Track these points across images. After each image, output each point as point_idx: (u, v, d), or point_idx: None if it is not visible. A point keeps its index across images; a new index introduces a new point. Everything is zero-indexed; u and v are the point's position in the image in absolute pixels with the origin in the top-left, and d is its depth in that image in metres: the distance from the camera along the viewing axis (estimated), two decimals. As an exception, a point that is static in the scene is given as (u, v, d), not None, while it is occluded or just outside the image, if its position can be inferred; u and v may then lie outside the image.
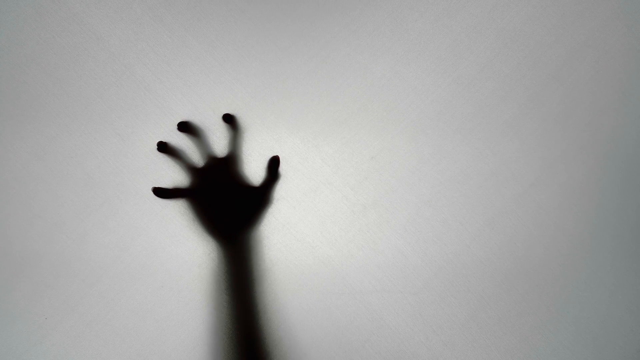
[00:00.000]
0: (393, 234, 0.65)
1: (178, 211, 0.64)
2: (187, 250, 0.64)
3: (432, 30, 0.65)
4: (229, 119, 0.64)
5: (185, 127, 0.64)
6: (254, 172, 0.65)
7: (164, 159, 0.65)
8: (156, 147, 0.64)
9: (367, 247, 0.65)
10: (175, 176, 0.65)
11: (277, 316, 0.63)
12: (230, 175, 0.64)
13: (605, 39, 0.65)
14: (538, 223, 0.65)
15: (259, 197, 0.65)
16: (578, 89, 0.65)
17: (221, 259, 0.64)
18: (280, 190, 0.65)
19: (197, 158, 0.65)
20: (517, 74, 0.65)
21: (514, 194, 0.65)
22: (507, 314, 0.64)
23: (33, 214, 0.63)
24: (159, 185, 0.64)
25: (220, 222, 0.64)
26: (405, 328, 0.64)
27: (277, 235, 0.64)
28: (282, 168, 0.65)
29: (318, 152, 0.65)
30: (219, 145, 0.65)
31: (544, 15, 0.65)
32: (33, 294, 0.63)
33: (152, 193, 0.64)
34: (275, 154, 0.65)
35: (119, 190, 0.64)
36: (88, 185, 0.64)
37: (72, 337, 0.63)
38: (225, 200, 0.64)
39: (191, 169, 0.64)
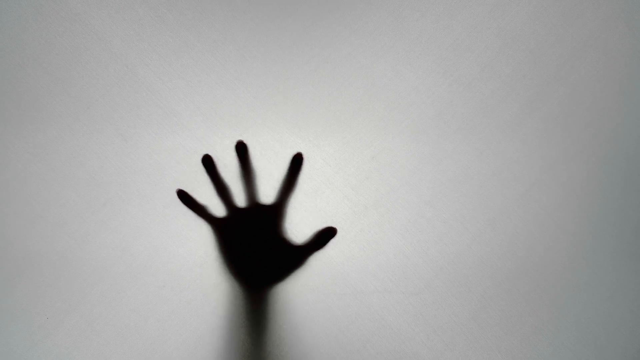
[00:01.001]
0: (394, 234, 0.65)
1: (180, 211, 0.64)
2: (188, 250, 0.64)
3: (433, 30, 0.66)
4: (297, 164, 0.64)
5: (242, 150, 0.64)
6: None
7: (165, 159, 0.65)
8: (201, 161, 0.64)
9: (368, 247, 0.65)
10: (171, 183, 0.64)
11: (278, 316, 0.63)
12: (271, 226, 0.63)
13: (606, 39, 0.65)
14: (539, 223, 0.65)
15: (295, 259, 0.64)
16: (579, 89, 0.65)
17: (238, 300, 0.63)
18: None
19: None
20: (517, 74, 0.65)
21: (515, 194, 0.65)
22: (508, 314, 0.64)
23: (35, 214, 0.63)
24: (186, 192, 0.63)
25: (247, 269, 0.63)
26: (406, 328, 0.64)
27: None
28: (283, 168, 0.65)
29: (319, 152, 0.65)
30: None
31: (545, 15, 0.66)
32: (35, 293, 0.63)
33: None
34: (334, 227, 0.64)
35: (121, 190, 0.64)
36: (90, 185, 0.64)
37: (73, 337, 0.63)
38: (259, 249, 0.63)
39: (231, 205, 0.64)
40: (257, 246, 0.63)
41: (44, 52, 0.64)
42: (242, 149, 0.64)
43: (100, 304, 0.63)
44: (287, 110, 0.65)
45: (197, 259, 0.64)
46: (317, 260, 0.64)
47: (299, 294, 0.64)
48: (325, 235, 0.64)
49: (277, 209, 0.64)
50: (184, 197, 0.64)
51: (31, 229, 0.63)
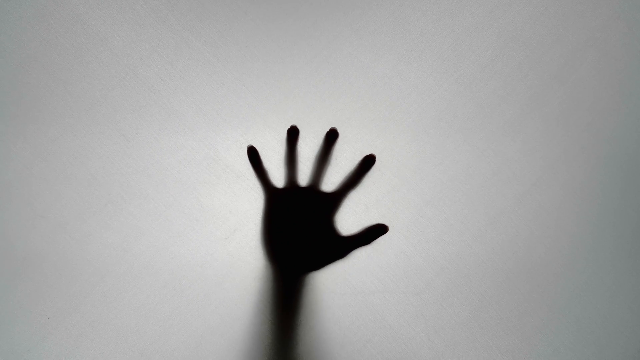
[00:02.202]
0: (395, 233, 0.65)
1: (181, 211, 0.64)
2: (190, 250, 0.64)
3: (434, 29, 0.66)
4: (368, 164, 0.63)
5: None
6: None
7: (167, 159, 0.65)
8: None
9: (369, 247, 0.65)
10: (184, 178, 0.64)
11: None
12: (325, 212, 0.63)
13: (607, 39, 0.65)
14: (540, 223, 0.65)
15: (340, 250, 0.63)
16: (579, 89, 0.66)
17: (273, 286, 0.63)
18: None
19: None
20: (518, 73, 0.66)
21: (515, 193, 0.65)
22: (508, 314, 0.64)
23: (36, 214, 0.63)
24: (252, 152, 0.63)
25: (287, 249, 0.63)
26: (407, 328, 0.64)
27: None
28: (283, 168, 0.65)
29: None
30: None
31: (545, 15, 0.66)
32: (35, 293, 0.63)
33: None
34: (385, 225, 0.64)
35: (122, 191, 0.64)
36: (92, 185, 0.64)
37: (74, 337, 0.63)
38: (306, 232, 0.63)
39: (292, 181, 0.63)
40: (305, 228, 0.63)
41: (45, 52, 0.64)
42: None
43: (101, 304, 0.63)
44: (288, 110, 0.66)
45: (198, 259, 0.64)
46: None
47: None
48: (375, 232, 0.64)
49: (336, 198, 0.64)
50: (253, 155, 0.63)
51: (32, 229, 0.63)
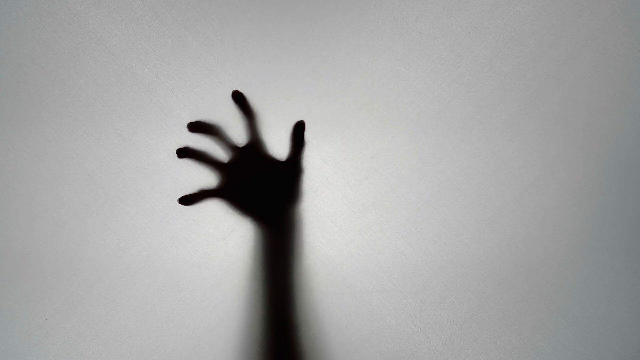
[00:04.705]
0: (393, 233, 0.65)
1: (179, 211, 0.64)
2: (187, 250, 0.64)
3: (432, 29, 0.65)
4: (239, 99, 0.64)
5: (196, 127, 0.64)
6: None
7: (164, 159, 0.65)
8: (176, 154, 0.64)
9: (367, 247, 0.65)
10: (170, 184, 0.65)
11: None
12: (257, 159, 0.64)
13: (606, 38, 0.65)
14: (538, 223, 0.65)
15: (291, 169, 0.65)
16: (578, 89, 0.65)
17: (266, 237, 0.64)
18: (280, 190, 0.65)
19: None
20: (517, 73, 0.65)
21: (514, 193, 0.65)
22: (507, 313, 0.64)
23: (33, 214, 0.63)
24: (183, 194, 0.64)
25: (262, 205, 0.64)
26: (405, 328, 0.64)
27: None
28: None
29: (318, 152, 0.65)
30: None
31: (544, 14, 0.66)
32: (33, 294, 0.63)
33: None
34: (299, 120, 0.65)
35: (119, 191, 0.64)
36: (89, 185, 0.64)
37: (72, 337, 0.63)
38: (261, 183, 0.64)
39: (218, 165, 0.64)
40: (257, 182, 0.64)
41: (42, 52, 0.64)
42: (194, 127, 0.64)
43: (99, 305, 0.63)
44: (285, 110, 0.65)
45: (196, 259, 0.64)
46: (317, 260, 0.64)
47: (299, 293, 0.64)
48: (299, 132, 0.65)
49: (254, 143, 0.65)
50: (183, 153, 0.64)
51: (30, 229, 0.63)
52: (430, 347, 0.64)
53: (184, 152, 0.64)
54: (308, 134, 0.65)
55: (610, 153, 0.65)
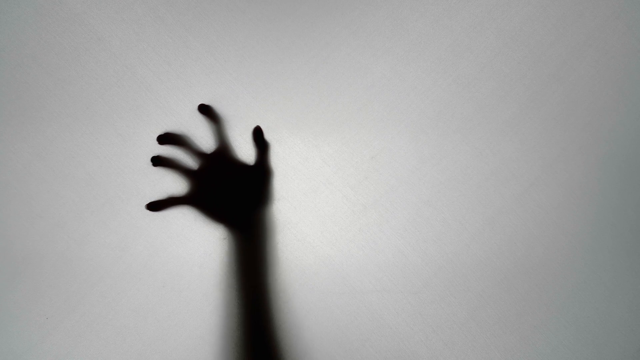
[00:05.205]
0: (393, 233, 0.65)
1: (179, 211, 0.64)
2: (188, 250, 0.64)
3: (432, 30, 0.66)
4: (205, 110, 0.64)
5: (165, 139, 0.64)
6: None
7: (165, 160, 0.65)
8: (151, 163, 0.64)
9: (367, 247, 0.65)
10: (170, 183, 0.65)
11: (278, 316, 0.63)
12: (225, 165, 0.64)
13: (606, 38, 0.65)
14: (538, 222, 0.65)
15: (259, 172, 0.65)
16: (578, 89, 0.65)
17: (239, 242, 0.64)
18: (280, 191, 0.65)
19: (190, 162, 0.65)
20: (517, 73, 0.65)
21: (513, 193, 0.65)
22: (506, 313, 0.64)
23: (34, 214, 0.64)
24: (152, 200, 0.64)
25: (233, 210, 0.64)
26: (405, 327, 0.64)
27: (278, 235, 0.65)
28: (283, 168, 0.65)
29: (318, 152, 0.65)
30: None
31: (544, 14, 0.66)
32: (34, 293, 0.63)
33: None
34: (256, 125, 0.65)
35: (120, 191, 0.64)
36: (89, 185, 0.64)
37: (73, 337, 0.63)
38: (230, 188, 0.64)
39: (187, 172, 0.64)
40: (227, 187, 0.64)
41: (43, 52, 0.64)
42: (163, 139, 0.64)
43: (100, 304, 0.63)
44: (286, 111, 0.65)
45: (196, 259, 0.64)
46: (317, 260, 0.65)
47: (298, 293, 0.64)
48: (258, 136, 0.65)
49: (221, 149, 0.65)
50: (157, 161, 0.64)
51: (30, 229, 0.63)
52: (430, 346, 0.64)
53: (158, 161, 0.64)
54: (308, 134, 0.65)
55: (610, 153, 0.65)
